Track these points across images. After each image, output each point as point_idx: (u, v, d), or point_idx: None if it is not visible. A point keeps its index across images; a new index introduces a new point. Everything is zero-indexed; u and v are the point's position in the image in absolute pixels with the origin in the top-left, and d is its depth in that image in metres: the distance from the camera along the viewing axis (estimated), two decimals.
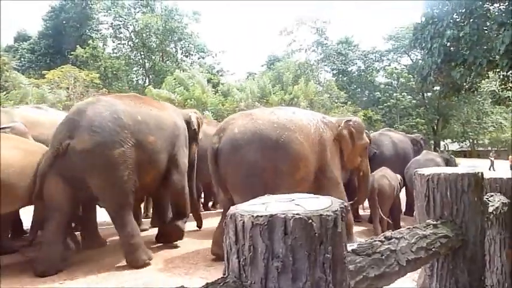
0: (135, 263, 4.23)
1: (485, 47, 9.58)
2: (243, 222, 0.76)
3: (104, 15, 28.68)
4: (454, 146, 34.98)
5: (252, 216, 0.75)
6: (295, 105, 16.66)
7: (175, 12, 28.63)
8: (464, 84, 10.56)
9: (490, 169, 19.49)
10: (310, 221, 0.72)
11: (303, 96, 18.55)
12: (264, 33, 73.07)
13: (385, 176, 6.29)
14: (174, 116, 5.14)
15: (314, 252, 0.73)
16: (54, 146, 4.16)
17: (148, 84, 27.06)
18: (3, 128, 4.59)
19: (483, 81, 13.21)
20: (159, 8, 29.09)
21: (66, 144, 4.10)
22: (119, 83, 25.55)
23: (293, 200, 0.87)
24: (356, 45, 34.99)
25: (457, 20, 9.95)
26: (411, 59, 32.44)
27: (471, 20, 9.57)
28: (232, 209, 0.81)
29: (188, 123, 5.43)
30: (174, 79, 17.86)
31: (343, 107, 21.95)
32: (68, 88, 17.91)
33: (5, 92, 14.90)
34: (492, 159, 21.64)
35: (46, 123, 5.53)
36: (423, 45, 10.49)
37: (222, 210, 5.47)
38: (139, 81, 30.76)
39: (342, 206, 0.80)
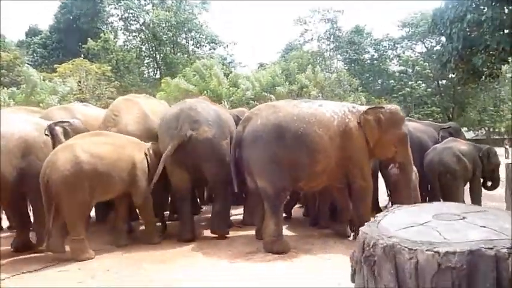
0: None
1: (507, 31, 9.22)
2: (416, 263, 0.51)
3: (115, 8, 28.57)
4: (470, 135, 34.32)
5: (436, 253, 0.49)
6: (306, 94, 16.42)
7: (185, 3, 28.40)
8: (485, 70, 10.20)
9: (505, 157, 19.13)
10: None
11: (312, 85, 18.26)
12: (276, 24, 72.36)
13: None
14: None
15: None
16: (177, 136, 4.94)
17: (160, 77, 27.04)
18: (61, 122, 4.92)
19: (503, 67, 12.80)
20: (169, 0, 28.85)
21: (189, 134, 4.96)
22: (130, 75, 25.50)
23: (462, 217, 0.62)
24: (368, 33, 34.38)
25: (478, 3, 9.55)
26: (426, 47, 31.74)
27: (493, 4, 9.19)
28: (373, 233, 0.58)
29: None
30: (193, 71, 17.72)
31: (354, 93, 21.59)
32: (79, 81, 17.92)
33: (17, 87, 14.94)
34: (507, 147, 21.18)
35: (99, 117, 6.13)
36: (442, 30, 10.13)
37: None
38: (151, 74, 30.70)
39: None
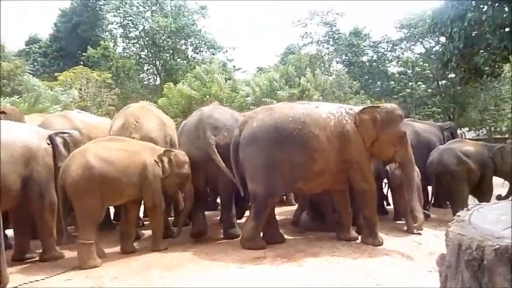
0: None
1: (508, 30, 9.20)
2: None
3: (114, 16, 28.59)
4: (471, 134, 34.26)
5: None
6: (308, 98, 16.39)
7: (183, 9, 28.42)
8: (487, 69, 10.18)
9: None
10: None
11: (313, 88, 18.20)
12: (275, 28, 72.45)
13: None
14: None
15: None
16: (204, 144, 5.26)
17: (160, 83, 27.01)
18: (62, 133, 4.96)
19: (504, 66, 12.75)
20: (168, 6, 28.87)
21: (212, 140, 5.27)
22: (131, 82, 25.48)
23: None
24: (366, 35, 34.40)
25: (478, 2, 9.54)
26: (425, 47, 31.73)
27: (493, 2, 9.18)
28: (473, 234, 0.53)
29: None
30: (194, 76, 17.70)
31: (355, 96, 21.55)
32: (80, 89, 17.91)
33: (18, 96, 14.91)
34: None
35: (100, 125, 6.58)
36: (443, 30, 10.11)
37: None
38: (151, 80, 30.68)
39: None
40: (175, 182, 5.09)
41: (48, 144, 4.71)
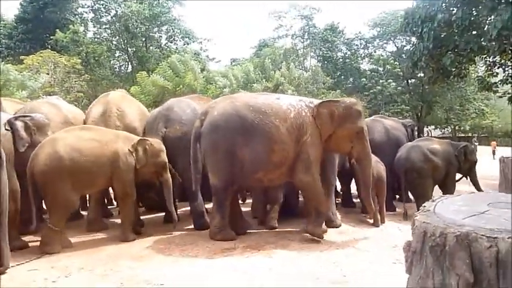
0: None
1: (475, 32, 9.54)
2: (497, 252, 0.49)
3: None
4: (437, 132, 35.45)
5: None
6: (282, 92, 16.49)
7: None
8: (454, 70, 10.53)
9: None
10: None
11: (288, 83, 18.32)
12: (250, 20, 72.10)
13: (379, 162, 6.20)
14: None
15: None
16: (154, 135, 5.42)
17: (132, 71, 26.41)
18: (23, 116, 4.71)
19: (470, 67, 13.23)
20: None
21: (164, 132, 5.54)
22: (101, 69, 24.77)
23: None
24: (341, 31, 34.83)
25: (448, 4, 9.83)
26: (396, 46, 32.47)
27: (462, 4, 9.48)
28: (437, 223, 0.57)
29: None
30: (169, 65, 17.36)
31: (330, 93, 21.84)
32: (47, 73, 17.26)
33: None
34: (476, 144, 22.04)
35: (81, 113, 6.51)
36: (414, 29, 10.37)
37: None
38: (122, 68, 29.97)
39: None
40: (152, 171, 5.08)
41: (7, 129, 4.42)
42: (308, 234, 5.01)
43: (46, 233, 4.40)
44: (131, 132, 5.48)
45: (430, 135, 34.18)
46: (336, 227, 5.55)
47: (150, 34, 28.02)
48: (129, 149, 4.85)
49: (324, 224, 5.12)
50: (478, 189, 6.62)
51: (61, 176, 4.35)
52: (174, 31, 28.80)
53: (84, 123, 5.86)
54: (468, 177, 6.78)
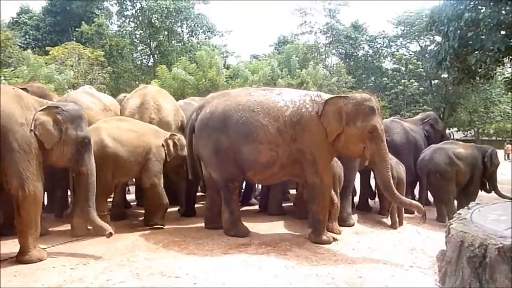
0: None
1: (503, 32, 9.24)
2: None
3: None
4: (459, 135, 34.65)
5: None
6: (305, 89, 16.41)
7: None
8: (480, 70, 10.23)
9: (504, 159, 19.45)
10: None
11: (312, 81, 18.19)
12: (271, 15, 71.82)
13: (399, 163, 6.09)
14: None
15: None
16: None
17: (153, 64, 26.67)
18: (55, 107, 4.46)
19: (497, 68, 12.84)
20: None
21: None
22: (124, 61, 25.12)
23: None
24: (364, 29, 34.33)
25: (476, 2, 9.55)
26: (420, 45, 31.81)
27: (490, 3, 9.20)
28: (476, 232, 0.53)
29: None
30: (194, 60, 17.48)
31: (351, 92, 21.60)
32: (72, 65, 17.62)
33: (12, 68, 14.52)
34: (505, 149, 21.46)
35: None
36: (440, 28, 10.12)
37: None
38: (144, 61, 30.29)
39: None
40: (177, 164, 5.44)
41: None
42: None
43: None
44: (165, 125, 5.82)
45: (452, 137, 33.34)
46: (349, 226, 5.49)
47: (173, 28, 28.20)
48: (162, 144, 5.21)
49: (334, 225, 5.06)
50: (499, 193, 6.46)
51: (106, 164, 4.68)
52: (195, 26, 28.91)
53: (121, 113, 6.10)
54: (488, 181, 6.61)
